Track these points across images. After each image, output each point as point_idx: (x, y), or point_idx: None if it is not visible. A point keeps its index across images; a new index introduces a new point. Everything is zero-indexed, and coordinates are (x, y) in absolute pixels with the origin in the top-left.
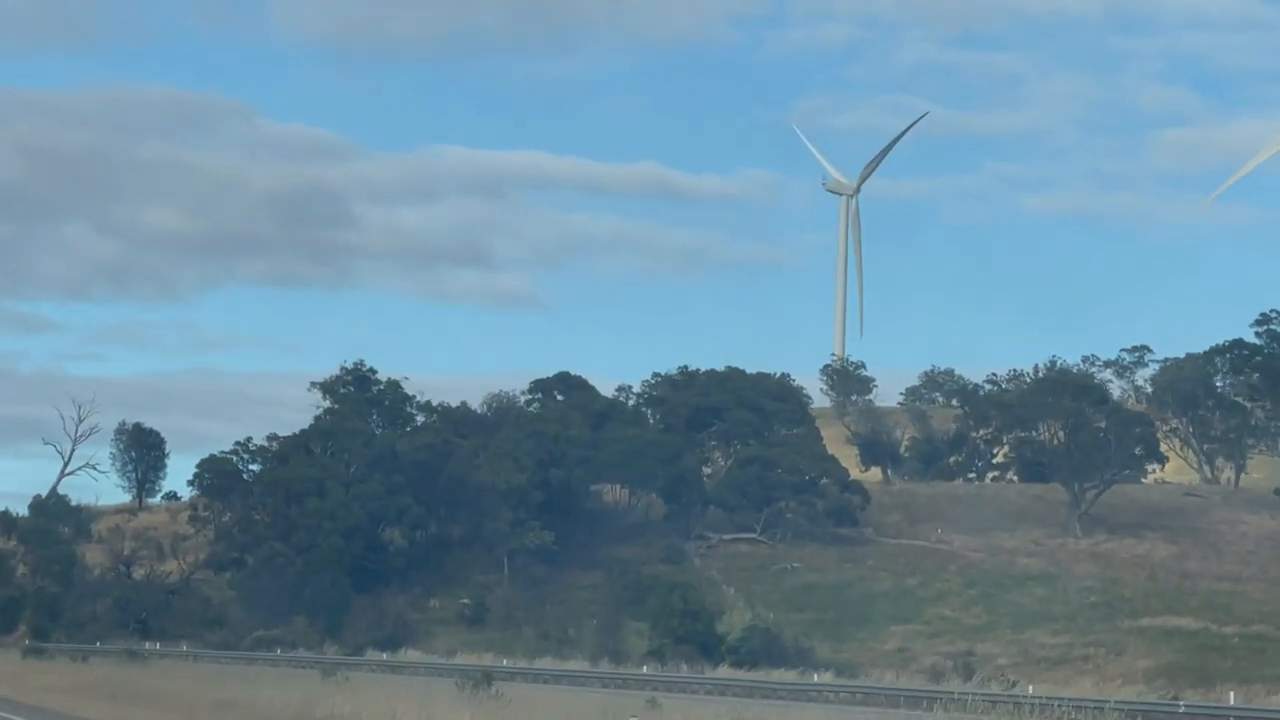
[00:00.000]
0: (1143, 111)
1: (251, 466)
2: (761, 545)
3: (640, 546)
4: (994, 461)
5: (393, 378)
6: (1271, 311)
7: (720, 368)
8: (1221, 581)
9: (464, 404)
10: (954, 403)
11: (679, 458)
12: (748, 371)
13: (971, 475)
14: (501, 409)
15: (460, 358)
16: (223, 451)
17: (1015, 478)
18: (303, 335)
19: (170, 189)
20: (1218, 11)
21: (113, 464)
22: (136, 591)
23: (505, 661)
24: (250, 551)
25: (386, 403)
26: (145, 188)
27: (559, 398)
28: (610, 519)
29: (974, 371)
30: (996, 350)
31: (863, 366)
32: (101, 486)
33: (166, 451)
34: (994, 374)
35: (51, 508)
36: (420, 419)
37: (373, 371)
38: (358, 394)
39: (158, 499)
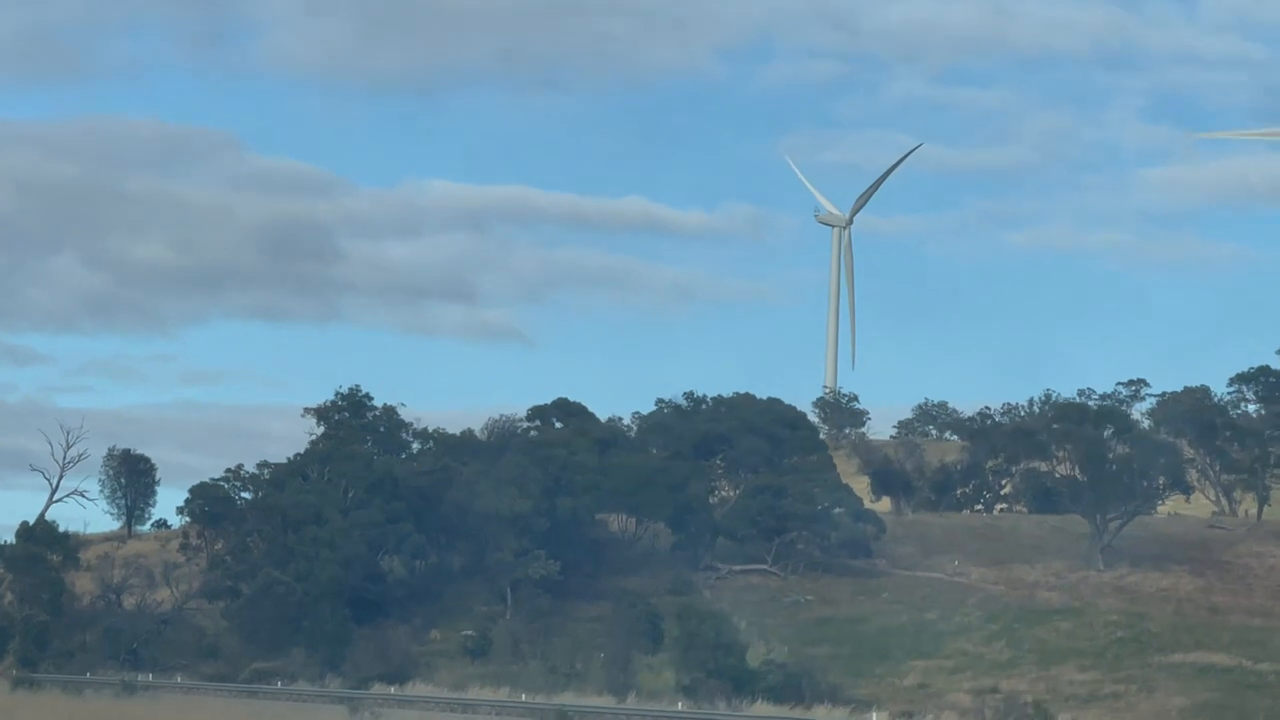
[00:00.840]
0: (1127, 149)
1: (243, 494)
2: (773, 577)
3: (647, 577)
4: (1002, 493)
5: (388, 404)
6: None
7: (728, 394)
8: (1253, 617)
9: (468, 430)
10: (948, 435)
11: (686, 486)
12: (759, 397)
13: (979, 507)
14: (503, 435)
15: (446, 393)
16: (214, 479)
17: (1024, 509)
18: (289, 369)
19: (157, 222)
20: (1203, 49)
21: (101, 491)
22: (127, 621)
23: (524, 697)
24: (245, 580)
25: (382, 429)
26: (132, 221)
27: (557, 425)
28: (615, 549)
29: (964, 406)
30: (979, 386)
31: (855, 399)
32: (90, 514)
33: (157, 478)
34: (987, 407)
35: (39, 534)
36: (416, 446)
37: (368, 398)
38: (353, 420)
39: (147, 526)
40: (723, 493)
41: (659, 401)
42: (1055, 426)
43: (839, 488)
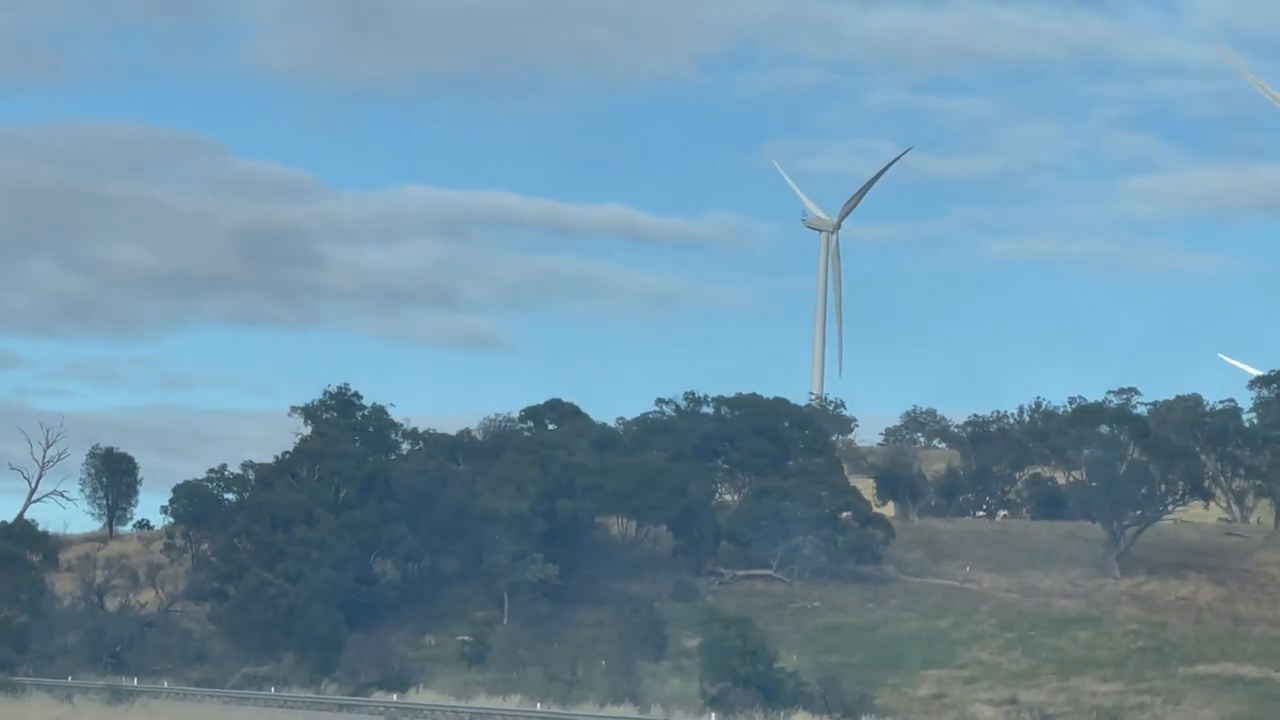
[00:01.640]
0: (1111, 158)
1: (227, 495)
2: (778, 582)
3: (648, 582)
4: (1005, 498)
5: (378, 404)
6: None
7: (730, 394)
8: (1277, 627)
9: (465, 430)
10: (937, 443)
11: (689, 488)
12: (765, 396)
13: (980, 513)
14: (500, 435)
15: (425, 398)
16: (198, 479)
17: (1027, 515)
18: (268, 374)
19: (137, 226)
20: (1186, 59)
21: (82, 490)
22: (110, 623)
23: (539, 706)
24: (232, 582)
25: (371, 429)
26: (112, 224)
27: (550, 426)
28: (615, 553)
29: (949, 414)
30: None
31: (843, 405)
32: (70, 515)
33: (139, 477)
34: (976, 415)
35: (18, 534)
36: (406, 447)
37: (357, 396)
38: (341, 419)
39: (128, 527)
40: (724, 495)
41: (659, 401)
42: (1073, 430)
43: (847, 491)
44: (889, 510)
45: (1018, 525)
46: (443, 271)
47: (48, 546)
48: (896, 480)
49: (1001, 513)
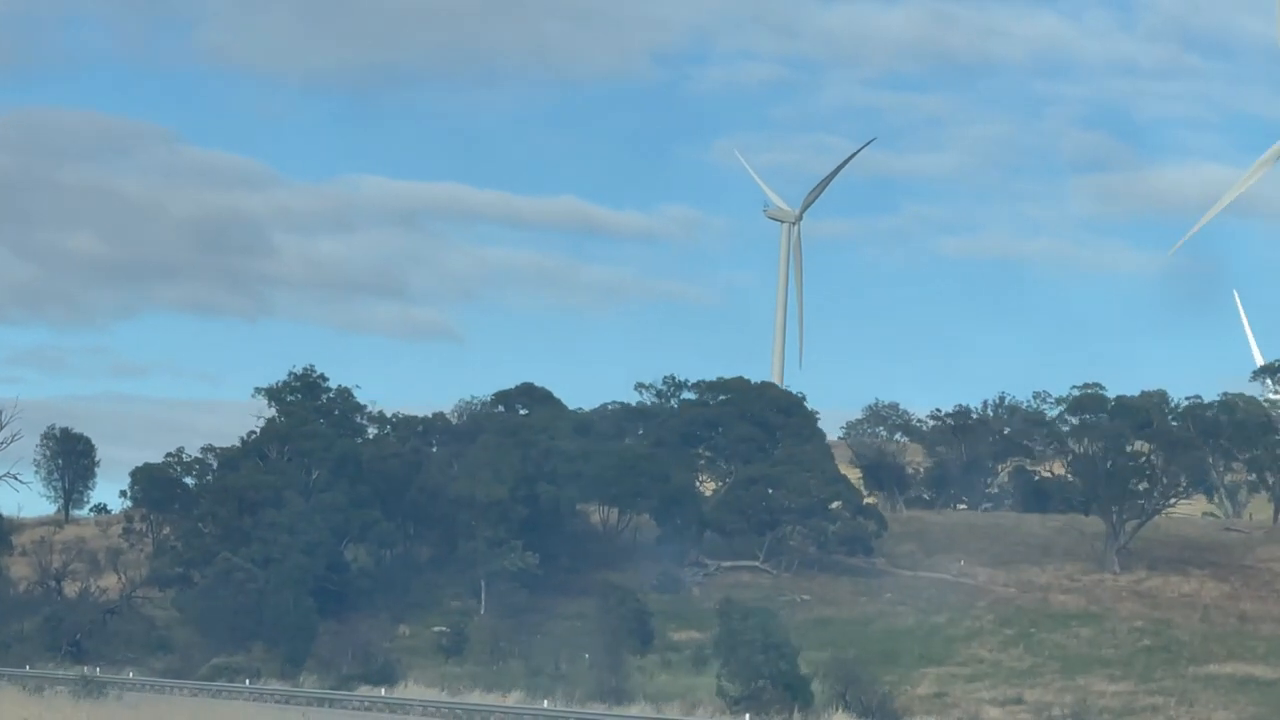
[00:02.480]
0: (1064, 156)
1: (186, 479)
2: (764, 574)
3: (630, 573)
4: (988, 492)
5: (344, 385)
6: None
7: (712, 378)
8: None
9: (439, 413)
10: (899, 436)
11: (672, 475)
12: (752, 380)
13: (963, 505)
14: (475, 418)
15: (377, 389)
16: (156, 462)
17: (1011, 508)
18: (219, 363)
19: (89, 214)
20: (1140, 58)
21: (36, 472)
22: (69, 609)
23: (546, 704)
24: (197, 567)
25: (336, 412)
26: (64, 212)
27: (522, 411)
28: (596, 541)
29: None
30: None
31: (804, 398)
32: (23, 498)
33: (96, 459)
34: (938, 409)
35: None
36: (372, 431)
37: (323, 378)
38: (306, 401)
39: (85, 510)
40: (707, 483)
41: (638, 385)
42: (1073, 420)
43: (837, 479)
44: (873, 501)
45: (1009, 518)
46: (395, 262)
47: (1, 529)
48: (883, 471)
49: (984, 506)
